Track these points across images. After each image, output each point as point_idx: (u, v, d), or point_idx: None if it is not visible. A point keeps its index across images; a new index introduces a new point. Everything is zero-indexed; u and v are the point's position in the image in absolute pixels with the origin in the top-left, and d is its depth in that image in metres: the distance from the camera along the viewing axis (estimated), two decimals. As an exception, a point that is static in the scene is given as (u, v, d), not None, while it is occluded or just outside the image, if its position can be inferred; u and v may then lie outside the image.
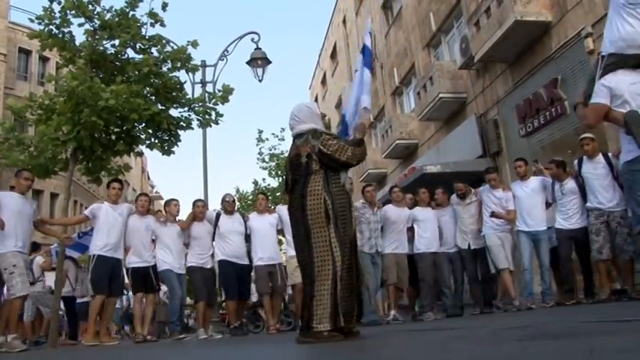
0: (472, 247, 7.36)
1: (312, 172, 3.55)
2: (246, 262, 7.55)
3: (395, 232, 7.54)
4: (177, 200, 7.75)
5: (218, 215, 7.62)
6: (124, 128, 9.40)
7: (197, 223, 7.49)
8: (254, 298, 10.09)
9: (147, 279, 7.05)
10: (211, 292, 7.55)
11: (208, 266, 7.41)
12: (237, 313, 7.59)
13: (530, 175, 7.11)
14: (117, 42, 9.48)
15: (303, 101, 4.42)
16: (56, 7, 9.02)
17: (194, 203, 7.68)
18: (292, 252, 6.70)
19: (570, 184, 6.50)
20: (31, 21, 9.66)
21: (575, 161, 6.57)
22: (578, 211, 6.38)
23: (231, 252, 7.36)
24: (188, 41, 9.91)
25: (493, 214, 7.03)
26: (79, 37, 9.48)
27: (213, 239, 7.53)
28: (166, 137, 9.92)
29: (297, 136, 3.75)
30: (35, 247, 10.35)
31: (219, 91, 10.31)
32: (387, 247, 7.47)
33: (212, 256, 7.47)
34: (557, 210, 6.62)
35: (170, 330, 7.49)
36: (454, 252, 7.61)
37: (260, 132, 22.22)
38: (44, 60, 26.52)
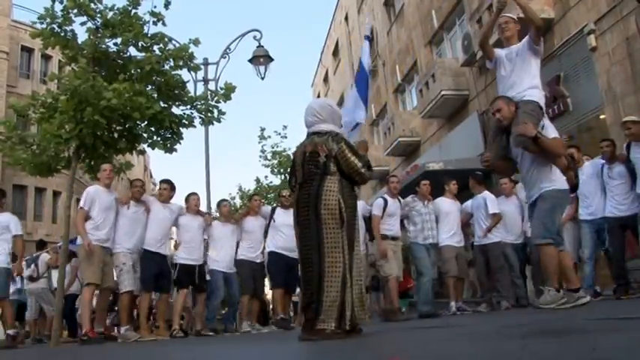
0: None
1: (330, 173, 3.53)
2: (296, 255, 7.63)
3: (450, 224, 7.48)
4: (227, 201, 8.24)
5: (274, 209, 7.84)
6: (127, 126, 9.42)
7: (250, 217, 7.76)
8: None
9: (193, 277, 7.19)
10: (260, 285, 7.80)
11: (258, 260, 7.63)
12: (283, 304, 7.76)
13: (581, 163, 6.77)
14: (119, 40, 9.49)
15: (324, 98, 4.50)
16: (58, 6, 9.03)
17: (251, 197, 8.27)
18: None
19: (619, 167, 6.27)
20: (34, 22, 9.69)
21: (625, 145, 6.41)
22: (627, 197, 6.14)
23: (283, 244, 7.44)
24: (190, 39, 9.90)
25: None
26: (81, 36, 9.49)
27: (265, 234, 7.71)
28: (169, 135, 9.94)
29: (315, 133, 3.71)
30: (42, 245, 10.40)
31: (221, 89, 10.32)
32: (445, 240, 7.41)
33: (262, 251, 7.68)
34: (607, 196, 6.34)
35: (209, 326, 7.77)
36: (519, 243, 7.40)
37: (262, 130, 22.17)
38: (46, 58, 26.53)
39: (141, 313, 7.03)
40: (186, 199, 7.61)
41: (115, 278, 6.69)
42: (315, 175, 3.55)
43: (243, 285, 7.70)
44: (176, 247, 7.24)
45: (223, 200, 8.34)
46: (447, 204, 7.61)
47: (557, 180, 4.40)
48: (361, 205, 7.45)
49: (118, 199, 6.71)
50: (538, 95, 4.54)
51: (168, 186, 7.28)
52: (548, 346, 1.89)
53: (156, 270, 6.77)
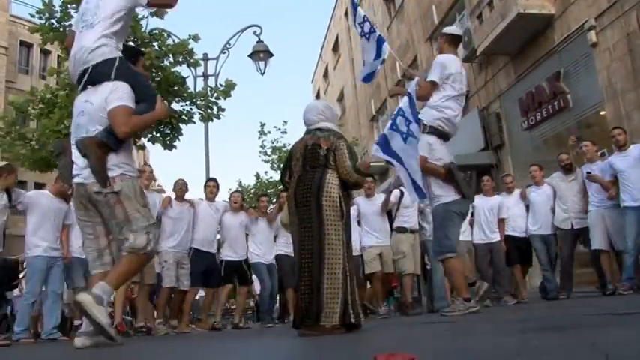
0: (575, 228, 6.79)
1: (330, 166, 3.57)
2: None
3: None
4: (267, 196, 8.73)
5: None
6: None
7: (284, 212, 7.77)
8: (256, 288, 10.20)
9: (239, 271, 7.43)
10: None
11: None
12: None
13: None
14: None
15: (321, 101, 4.67)
16: (57, 2, 9.03)
17: (279, 194, 8.41)
18: (369, 242, 7.21)
19: None
20: (32, 16, 9.68)
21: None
22: None
23: None
24: (189, 35, 9.91)
25: (590, 176, 6.45)
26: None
27: None
28: (168, 131, 9.95)
29: (317, 130, 3.75)
30: None
31: (220, 85, 10.31)
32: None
33: None
34: None
35: (261, 319, 7.96)
36: (549, 234, 7.12)
37: (262, 125, 22.18)
38: (46, 53, 26.47)
39: (185, 307, 7.14)
40: (229, 198, 7.84)
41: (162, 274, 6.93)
42: (317, 167, 3.58)
43: (284, 278, 7.82)
44: (220, 245, 7.43)
45: (263, 195, 8.77)
46: None
47: (441, 195, 4.60)
48: (383, 197, 7.52)
49: (162, 203, 6.80)
50: (430, 113, 4.74)
51: (216, 184, 7.45)
52: (548, 341, 1.89)
53: (203, 267, 6.96)
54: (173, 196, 7.11)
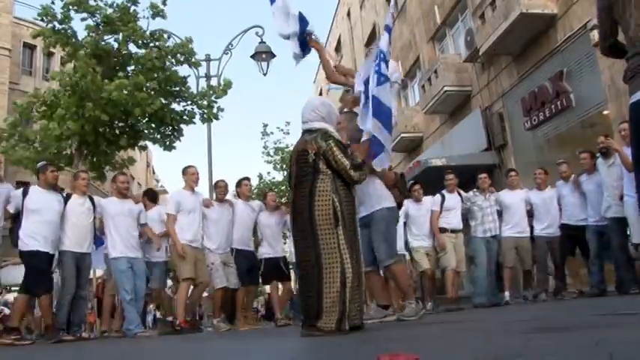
0: (618, 216, 6.32)
1: (321, 171, 3.50)
2: None
3: (511, 216, 7.46)
4: (273, 192, 8.97)
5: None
6: (128, 122, 9.45)
7: None
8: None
9: (278, 269, 7.46)
10: None
11: None
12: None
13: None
14: (120, 36, 9.51)
15: (319, 98, 4.52)
16: (58, 3, 9.07)
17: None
18: (417, 243, 7.48)
19: None
20: (36, 19, 9.73)
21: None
22: None
23: None
24: (185, 37, 9.97)
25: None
26: (81, 33, 9.51)
27: None
28: (169, 132, 9.99)
29: (307, 131, 3.69)
30: None
31: (219, 85, 10.35)
32: (505, 231, 7.43)
33: None
34: None
35: (297, 317, 7.96)
36: (604, 224, 6.62)
37: (265, 126, 22.19)
38: (49, 55, 26.51)
39: (237, 306, 7.25)
40: (264, 197, 7.96)
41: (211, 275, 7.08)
42: (308, 174, 3.53)
43: None
44: (258, 244, 7.55)
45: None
46: (507, 196, 7.58)
47: (384, 198, 4.55)
48: (430, 200, 7.61)
49: (204, 201, 6.93)
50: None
51: (249, 183, 7.66)
52: (550, 341, 1.88)
53: (247, 265, 7.10)
54: (207, 196, 7.41)
